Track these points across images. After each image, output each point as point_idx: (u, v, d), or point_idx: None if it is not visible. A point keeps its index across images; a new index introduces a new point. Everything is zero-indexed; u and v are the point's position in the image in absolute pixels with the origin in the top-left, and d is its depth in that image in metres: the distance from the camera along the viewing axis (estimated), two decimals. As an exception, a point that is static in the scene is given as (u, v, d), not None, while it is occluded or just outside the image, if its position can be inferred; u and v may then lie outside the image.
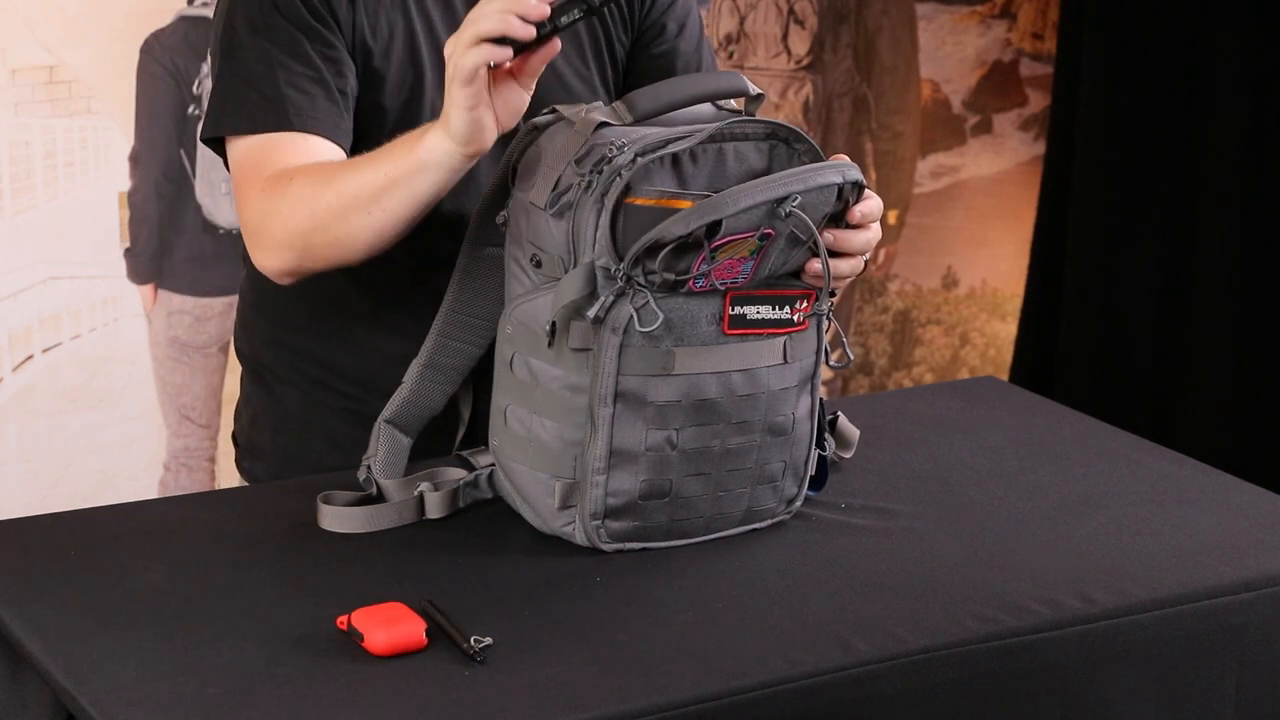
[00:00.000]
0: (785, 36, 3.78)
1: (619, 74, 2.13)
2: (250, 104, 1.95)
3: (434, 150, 1.82)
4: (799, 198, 1.72)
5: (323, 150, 1.94)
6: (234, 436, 2.23)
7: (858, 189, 1.78)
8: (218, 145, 1.99)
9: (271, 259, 1.93)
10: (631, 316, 1.73)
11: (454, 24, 2.00)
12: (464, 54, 1.76)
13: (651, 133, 1.76)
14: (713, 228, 1.70)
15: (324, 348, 2.09)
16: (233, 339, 2.21)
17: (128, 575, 1.74)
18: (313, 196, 1.88)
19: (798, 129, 1.79)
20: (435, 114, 1.97)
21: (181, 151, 3.25)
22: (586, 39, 2.09)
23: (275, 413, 2.13)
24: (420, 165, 1.83)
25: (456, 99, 1.78)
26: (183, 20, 3.22)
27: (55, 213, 3.17)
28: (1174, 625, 1.77)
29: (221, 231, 3.31)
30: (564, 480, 1.80)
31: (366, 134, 1.99)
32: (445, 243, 1.96)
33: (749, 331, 1.78)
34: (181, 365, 3.33)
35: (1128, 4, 3.74)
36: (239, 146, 1.96)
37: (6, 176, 3.11)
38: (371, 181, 1.85)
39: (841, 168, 1.76)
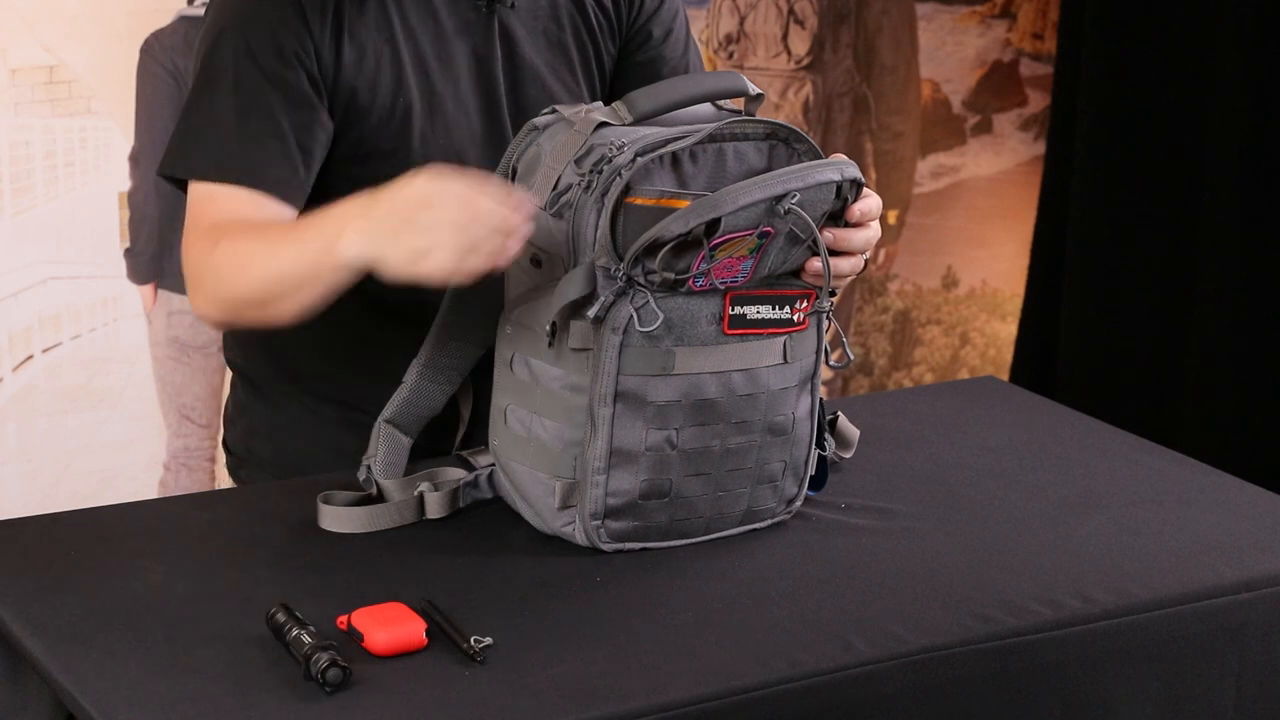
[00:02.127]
0: (785, 36, 3.78)
1: (608, 85, 2.12)
2: (207, 151, 1.95)
3: (354, 257, 1.76)
4: (798, 195, 1.72)
5: (271, 210, 1.93)
6: (226, 444, 2.22)
7: (856, 187, 1.78)
8: (177, 182, 2.00)
9: (204, 310, 1.93)
10: (631, 316, 1.73)
11: (443, 50, 2.00)
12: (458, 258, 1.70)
13: (651, 132, 1.76)
14: (712, 226, 1.70)
15: (317, 364, 2.09)
16: (222, 350, 2.20)
17: (128, 575, 1.74)
18: (241, 267, 1.87)
19: (797, 129, 1.79)
20: (424, 143, 1.98)
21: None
22: (576, 53, 2.09)
23: (275, 422, 2.13)
24: (337, 266, 1.78)
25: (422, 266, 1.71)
26: (183, 20, 3.22)
27: (55, 213, 3.17)
28: (1174, 625, 1.77)
29: (221, 231, 3.31)
30: (564, 480, 1.80)
31: (352, 167, 1.99)
32: None
33: (749, 331, 1.78)
34: (181, 365, 3.33)
35: (1128, 4, 3.74)
36: (194, 190, 1.96)
37: (6, 176, 3.11)
38: (292, 268, 1.82)
39: (840, 165, 1.76)
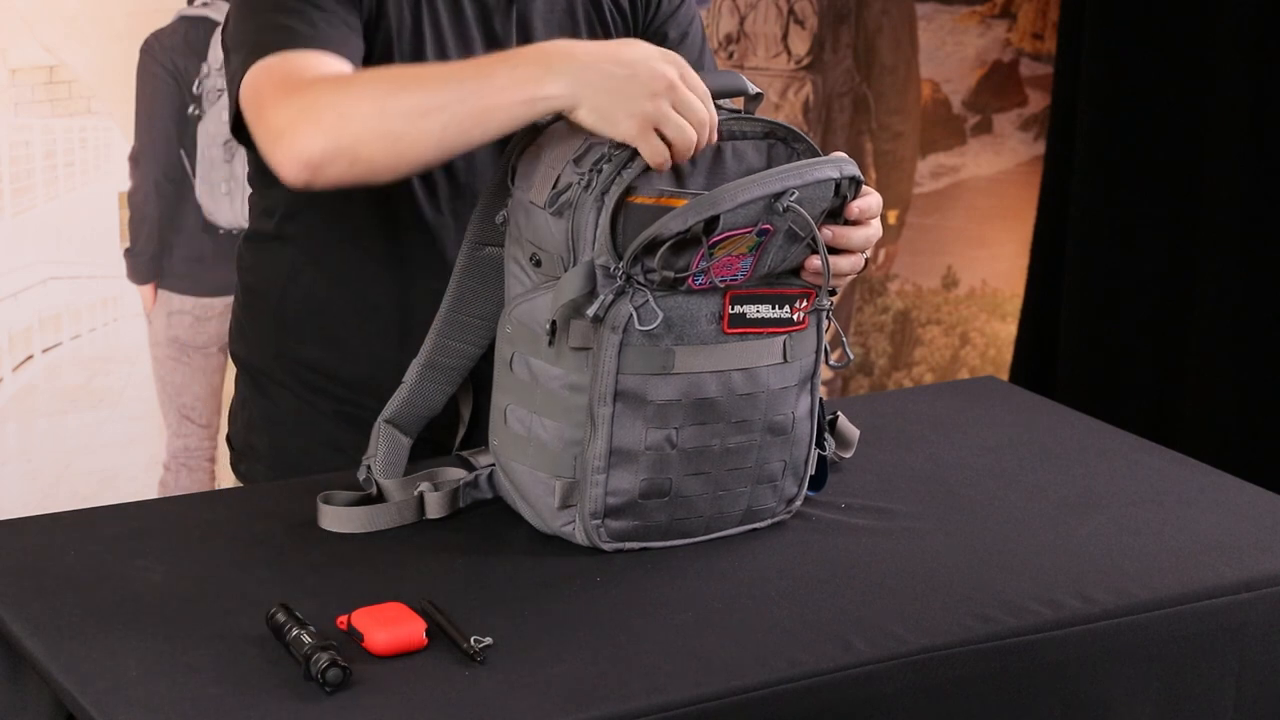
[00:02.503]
0: (785, 36, 3.78)
1: None
2: (262, 33, 1.86)
3: (553, 94, 1.72)
4: (796, 193, 1.72)
5: (341, 68, 1.85)
6: (229, 439, 2.22)
7: (855, 185, 1.78)
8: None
9: (306, 147, 1.76)
10: (631, 315, 1.73)
11: (462, 33, 2.00)
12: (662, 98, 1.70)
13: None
14: (710, 224, 1.70)
15: (318, 353, 2.09)
16: (228, 342, 2.21)
17: (128, 575, 1.74)
18: (388, 95, 1.75)
19: (795, 128, 1.79)
20: None
21: (181, 151, 3.25)
22: None
23: (272, 416, 2.13)
24: (527, 100, 1.72)
25: (635, 109, 1.70)
26: (183, 20, 3.22)
27: (55, 213, 3.17)
28: (1174, 625, 1.77)
29: (221, 231, 3.31)
30: (564, 480, 1.80)
31: None
32: (436, 248, 1.96)
33: (749, 330, 1.78)
34: (181, 365, 3.33)
35: (1128, 4, 3.75)
36: (256, 69, 1.84)
37: (6, 176, 3.11)
38: (460, 101, 1.73)
39: (838, 163, 1.76)
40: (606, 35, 2.09)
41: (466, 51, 2.01)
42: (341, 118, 1.75)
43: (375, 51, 1.97)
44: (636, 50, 1.74)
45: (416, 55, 1.99)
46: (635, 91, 1.71)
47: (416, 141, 1.75)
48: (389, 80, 1.79)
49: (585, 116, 1.72)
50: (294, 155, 1.76)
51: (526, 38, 2.04)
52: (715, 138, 1.74)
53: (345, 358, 2.07)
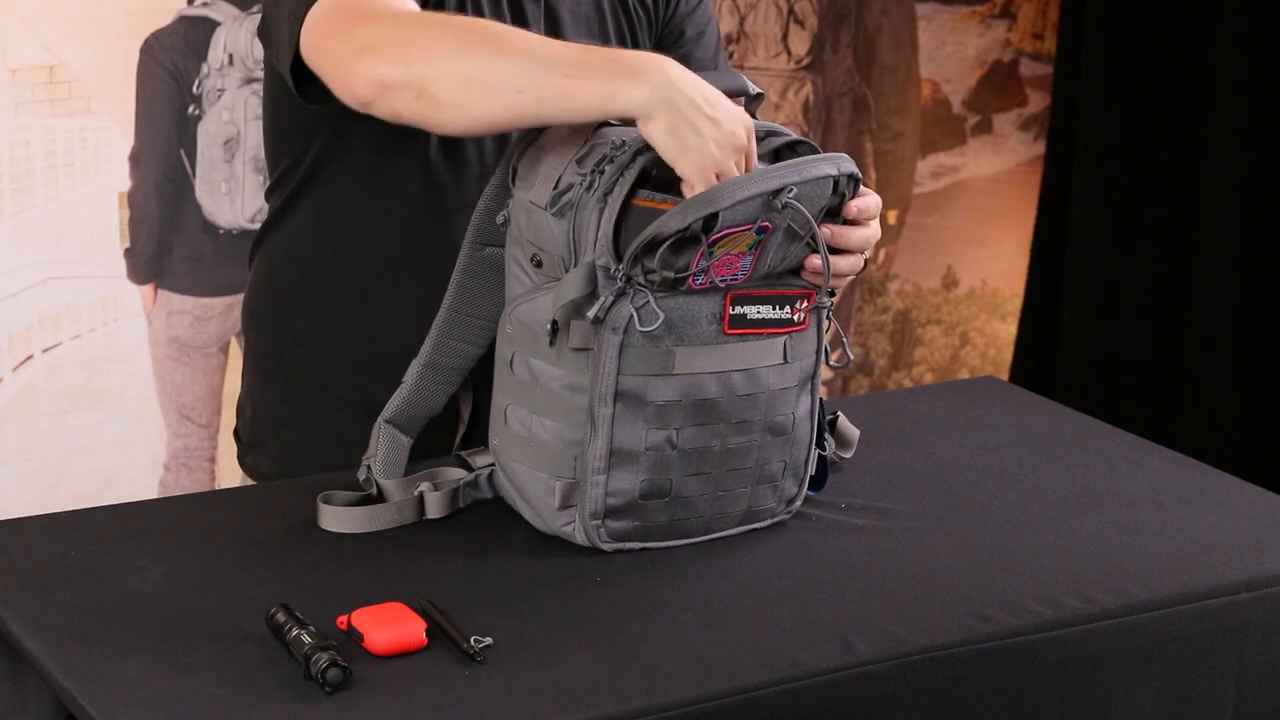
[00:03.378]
0: (785, 36, 3.78)
1: None
2: None
3: (627, 101, 1.71)
4: (794, 189, 1.72)
5: (413, 6, 1.85)
6: (236, 432, 2.23)
7: (854, 183, 1.78)
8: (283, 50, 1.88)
9: (384, 65, 1.75)
10: (632, 316, 1.73)
11: (497, 15, 1.99)
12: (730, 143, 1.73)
13: (651, 132, 1.76)
14: (709, 221, 1.70)
15: (333, 332, 2.09)
16: (241, 325, 2.20)
17: (128, 575, 1.74)
18: (474, 43, 1.74)
19: (798, 135, 1.79)
20: None
21: (181, 151, 3.25)
22: (615, 43, 2.09)
23: (280, 407, 2.13)
24: (610, 97, 1.72)
25: (710, 148, 1.71)
26: (183, 20, 3.22)
27: (55, 213, 3.17)
28: (1174, 625, 1.77)
29: (221, 231, 3.31)
30: (564, 480, 1.80)
31: (377, 119, 1.96)
32: (458, 233, 1.95)
33: (749, 331, 1.78)
34: (181, 365, 3.33)
35: (1128, 4, 3.75)
36: (325, 3, 1.83)
37: (6, 176, 3.11)
38: (535, 83, 1.72)
39: (837, 160, 1.76)
40: (632, 31, 2.10)
41: None
42: (424, 49, 1.74)
43: None
44: (726, 102, 1.74)
45: None
46: (714, 135, 1.72)
47: (487, 97, 1.74)
48: (481, 30, 1.77)
49: (657, 131, 1.71)
50: (369, 70, 1.75)
51: (554, 31, 2.04)
52: None
53: (360, 337, 2.07)
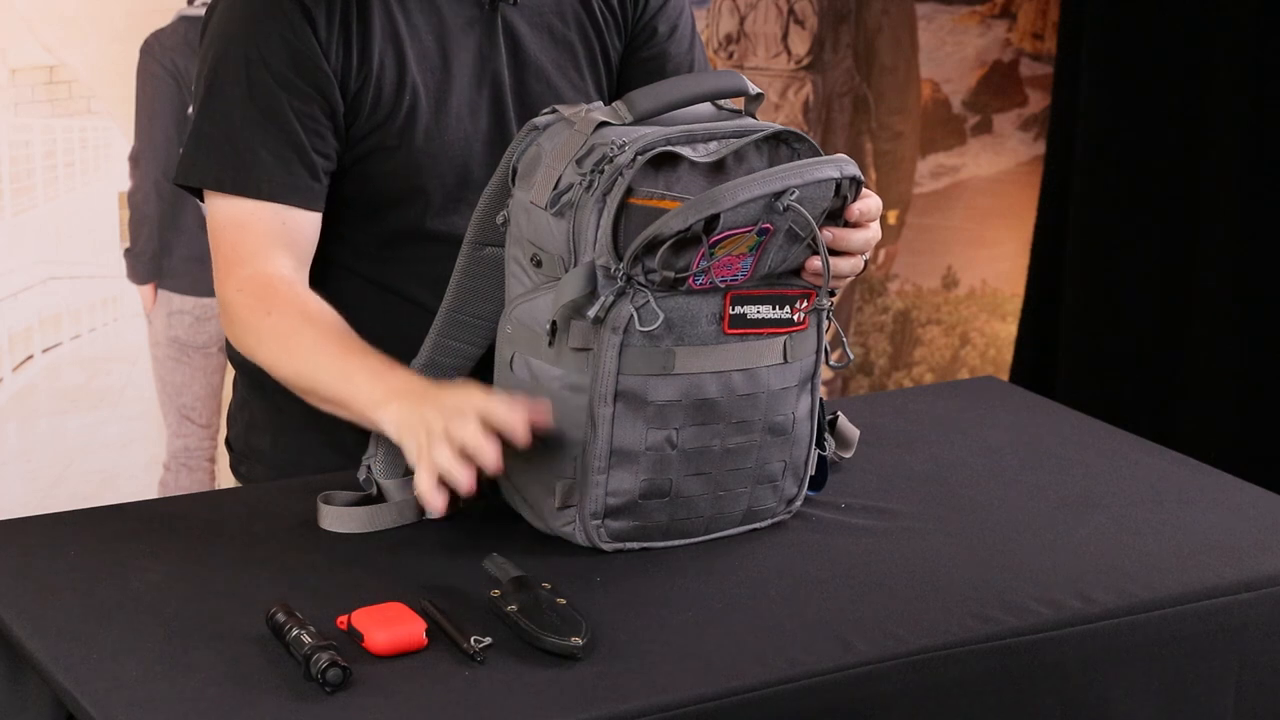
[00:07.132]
0: (785, 36, 3.78)
1: (614, 81, 2.12)
2: (224, 159, 1.96)
3: (383, 426, 1.81)
4: (796, 192, 1.72)
5: (299, 223, 1.96)
6: (228, 442, 2.22)
7: (856, 186, 1.77)
8: (192, 190, 2.02)
9: (236, 344, 2.02)
10: (632, 316, 1.73)
11: (447, 48, 2.00)
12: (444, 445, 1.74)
13: (651, 132, 1.76)
14: (711, 223, 1.70)
15: None
16: (226, 345, 2.21)
17: (128, 575, 1.74)
18: (286, 353, 1.93)
19: (798, 131, 1.79)
20: (429, 140, 2.00)
21: (181, 151, 3.25)
22: (581, 49, 2.09)
23: (274, 417, 2.13)
24: (366, 419, 1.84)
25: (423, 450, 1.75)
26: (183, 20, 3.22)
27: (55, 213, 3.17)
28: (1174, 625, 1.77)
29: (221, 231, 3.30)
30: (564, 480, 1.80)
31: (356, 164, 2.00)
32: (444, 258, 1.96)
33: (749, 331, 1.78)
34: (181, 365, 3.33)
35: (1128, 4, 3.75)
36: (217, 205, 1.98)
37: (6, 176, 3.11)
38: (326, 388, 1.88)
39: (839, 163, 1.76)
40: (598, 33, 2.10)
41: (455, 71, 2.02)
42: (260, 351, 1.96)
43: (364, 91, 1.98)
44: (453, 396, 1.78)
45: (401, 82, 1.99)
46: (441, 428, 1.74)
47: (305, 396, 1.92)
48: (297, 344, 1.92)
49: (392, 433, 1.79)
50: (228, 331, 2.02)
51: (515, 46, 2.04)
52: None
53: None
